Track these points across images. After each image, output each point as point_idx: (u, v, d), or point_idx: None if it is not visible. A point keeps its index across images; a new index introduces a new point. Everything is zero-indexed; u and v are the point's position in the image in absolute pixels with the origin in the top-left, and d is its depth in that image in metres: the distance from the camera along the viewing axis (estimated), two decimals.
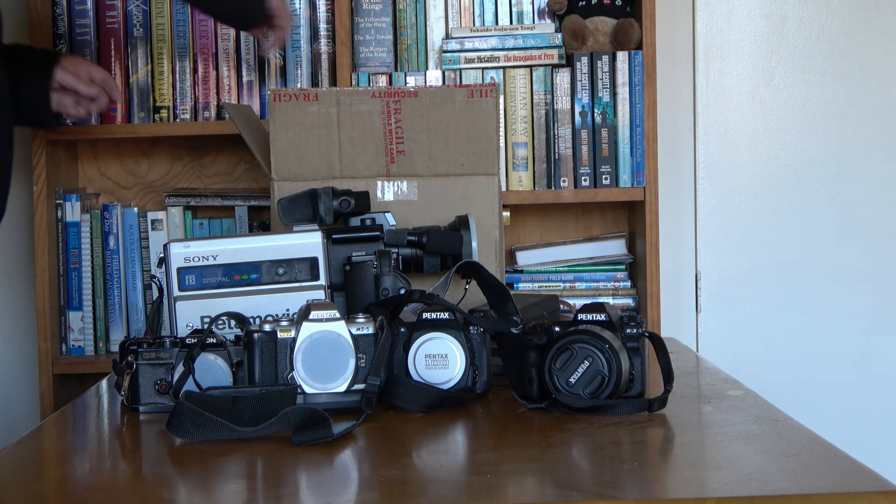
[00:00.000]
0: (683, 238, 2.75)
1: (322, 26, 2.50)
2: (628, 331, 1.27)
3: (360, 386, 1.25)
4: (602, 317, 1.27)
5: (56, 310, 2.51)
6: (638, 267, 2.52)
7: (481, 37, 2.49)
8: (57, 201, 2.50)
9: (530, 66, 2.47)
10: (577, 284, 2.53)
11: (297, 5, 2.50)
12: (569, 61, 2.48)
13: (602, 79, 2.45)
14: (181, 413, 1.16)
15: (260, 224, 2.55)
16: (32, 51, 2.07)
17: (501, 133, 2.43)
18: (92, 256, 2.53)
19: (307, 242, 1.46)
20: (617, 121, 2.45)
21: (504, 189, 2.46)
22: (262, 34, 2.05)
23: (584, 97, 2.45)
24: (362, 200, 1.54)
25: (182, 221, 2.55)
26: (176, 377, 1.27)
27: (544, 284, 2.53)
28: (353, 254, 1.48)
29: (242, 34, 2.48)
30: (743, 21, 2.73)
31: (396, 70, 2.52)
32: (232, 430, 1.15)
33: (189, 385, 1.26)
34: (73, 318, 2.52)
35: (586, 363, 1.22)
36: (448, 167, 1.65)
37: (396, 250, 1.52)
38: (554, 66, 2.47)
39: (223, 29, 2.49)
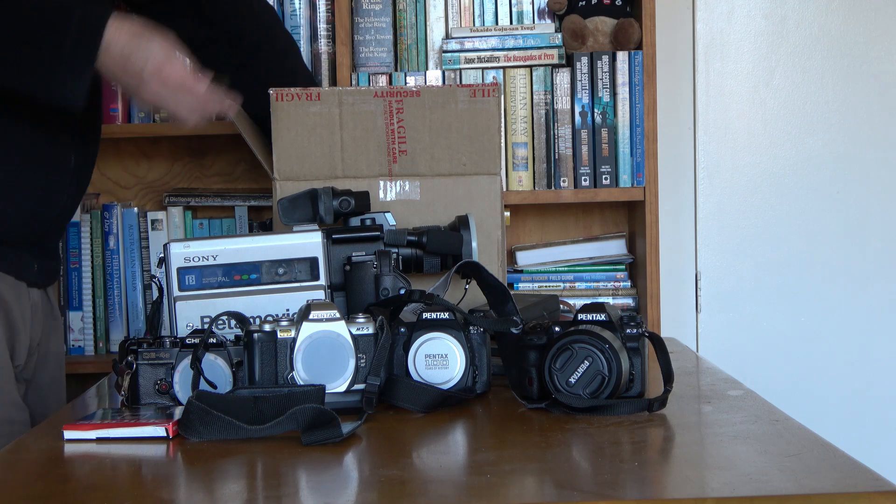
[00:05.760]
0: (683, 238, 2.74)
1: (322, 26, 2.50)
2: (628, 331, 1.27)
3: (360, 386, 1.25)
4: (602, 317, 1.27)
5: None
6: (638, 267, 2.52)
7: (481, 37, 2.48)
8: None
9: (530, 66, 2.47)
10: (577, 284, 2.53)
11: (297, 5, 2.50)
12: (569, 61, 2.48)
13: (602, 79, 2.45)
14: (190, 413, 1.16)
15: (260, 224, 2.55)
16: None
17: (501, 133, 2.43)
18: (92, 256, 2.52)
19: (307, 242, 1.46)
20: (617, 121, 2.45)
21: (504, 189, 2.45)
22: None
23: (584, 97, 2.45)
24: (362, 200, 1.54)
25: (182, 221, 2.55)
26: (176, 377, 1.27)
27: (544, 284, 2.53)
28: (353, 254, 1.48)
29: None
30: (743, 21, 2.73)
31: (396, 70, 2.52)
32: (240, 428, 1.15)
33: (186, 387, 1.26)
34: (73, 318, 2.52)
35: (586, 363, 1.22)
36: (450, 167, 1.65)
37: (396, 250, 1.52)
38: (554, 66, 2.47)
39: None
